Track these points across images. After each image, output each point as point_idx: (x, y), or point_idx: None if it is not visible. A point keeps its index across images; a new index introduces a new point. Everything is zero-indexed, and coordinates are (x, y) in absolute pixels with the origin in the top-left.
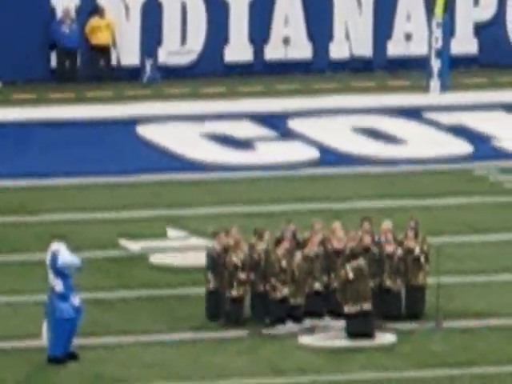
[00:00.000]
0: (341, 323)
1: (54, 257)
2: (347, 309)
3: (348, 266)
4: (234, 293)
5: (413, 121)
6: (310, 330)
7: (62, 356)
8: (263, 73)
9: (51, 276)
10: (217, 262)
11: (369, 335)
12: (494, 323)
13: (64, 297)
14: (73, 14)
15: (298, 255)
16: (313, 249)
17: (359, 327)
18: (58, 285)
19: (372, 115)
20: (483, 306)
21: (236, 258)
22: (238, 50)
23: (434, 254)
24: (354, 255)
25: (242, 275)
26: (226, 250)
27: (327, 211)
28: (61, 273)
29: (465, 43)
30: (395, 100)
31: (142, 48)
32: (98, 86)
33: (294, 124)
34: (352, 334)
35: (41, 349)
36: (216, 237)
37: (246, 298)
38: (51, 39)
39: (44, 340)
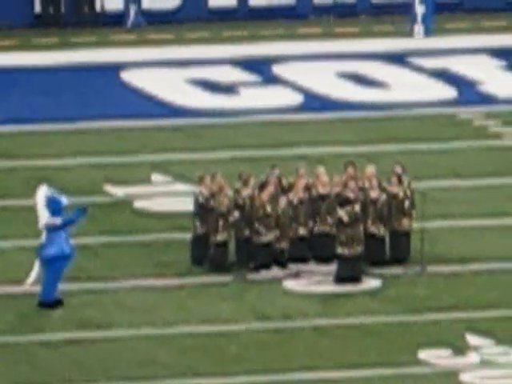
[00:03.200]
0: (326, 268)
1: (53, 198)
2: (341, 250)
3: (341, 211)
4: (219, 237)
5: (397, 65)
6: (295, 275)
7: (53, 301)
8: (247, 18)
9: (46, 215)
10: (204, 207)
11: (356, 279)
12: (478, 267)
13: (61, 233)
14: None
15: (283, 200)
16: (298, 194)
17: (348, 271)
18: (58, 220)
19: (356, 60)
20: (467, 250)
21: (221, 203)
22: None
23: (419, 199)
24: (347, 201)
25: (227, 220)
26: (212, 195)
27: (311, 156)
28: (59, 212)
29: None
30: (379, 45)
31: None
32: (82, 31)
33: (278, 69)
34: (340, 277)
35: (26, 295)
36: (202, 182)
37: (230, 243)
38: None
39: (29, 283)
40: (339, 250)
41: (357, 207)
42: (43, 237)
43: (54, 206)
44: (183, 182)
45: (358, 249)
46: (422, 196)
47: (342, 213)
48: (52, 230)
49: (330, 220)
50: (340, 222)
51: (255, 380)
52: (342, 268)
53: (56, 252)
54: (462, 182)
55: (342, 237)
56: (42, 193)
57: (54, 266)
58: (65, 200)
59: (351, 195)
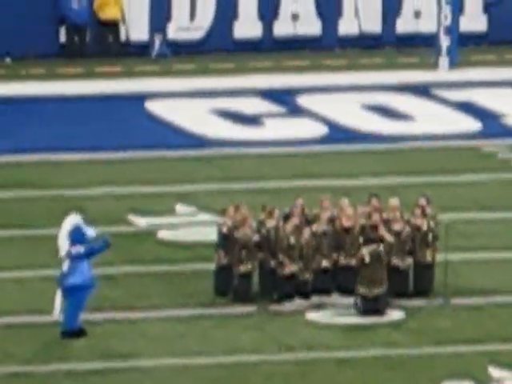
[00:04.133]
0: (348, 300)
1: (79, 228)
2: (361, 290)
3: (364, 250)
4: (243, 268)
5: (421, 98)
6: (318, 307)
7: (76, 330)
8: (272, 49)
9: (67, 244)
10: (228, 238)
11: (380, 313)
12: (501, 300)
13: (84, 262)
14: None
15: (307, 231)
16: (321, 226)
17: (370, 306)
18: (80, 248)
19: (381, 92)
20: (491, 283)
21: (245, 234)
22: (247, 25)
23: (443, 231)
24: (371, 239)
25: (251, 251)
26: (236, 226)
27: (335, 188)
28: (81, 242)
29: (474, 20)
30: (404, 77)
31: (151, 23)
32: (107, 61)
33: (303, 100)
34: (363, 311)
35: (48, 324)
36: (226, 213)
37: (254, 274)
38: (60, 15)
39: (56, 314)
40: (360, 290)
41: (381, 247)
42: (64, 266)
43: (78, 237)
44: (207, 213)
45: (380, 289)
46: (445, 228)
47: (365, 252)
48: (75, 258)
49: (354, 252)
50: (362, 261)
51: None
52: (364, 305)
53: (78, 281)
54: (486, 214)
55: (363, 276)
56: (70, 222)
57: (76, 295)
58: (92, 232)
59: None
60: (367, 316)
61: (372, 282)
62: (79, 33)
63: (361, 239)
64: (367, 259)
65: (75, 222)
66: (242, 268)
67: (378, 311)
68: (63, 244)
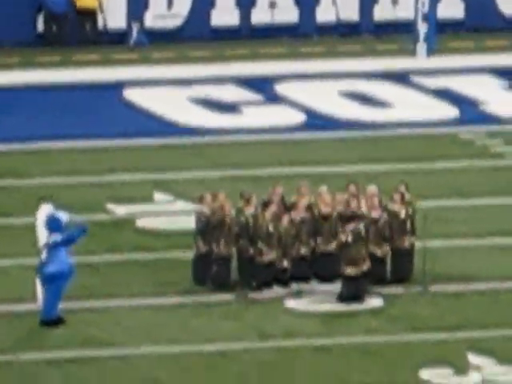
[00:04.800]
0: (327, 287)
1: (53, 216)
2: (347, 270)
3: (347, 229)
4: (223, 251)
5: (399, 85)
6: (297, 294)
7: (55, 318)
8: (250, 37)
9: (46, 234)
10: (207, 226)
11: (360, 298)
12: (480, 287)
13: (62, 250)
14: None
15: (285, 219)
16: (300, 213)
17: (352, 290)
18: (58, 237)
19: (358, 79)
20: (470, 269)
21: (224, 221)
22: (225, 13)
23: (421, 218)
24: (351, 218)
25: (229, 236)
26: (214, 213)
27: (313, 175)
28: (58, 229)
29: (451, 7)
30: (382, 64)
31: (129, 12)
32: (85, 49)
33: (281, 88)
34: (344, 296)
35: (27, 313)
36: (203, 201)
37: (232, 261)
38: (38, 3)
39: (39, 303)
40: (345, 270)
41: (361, 226)
42: (43, 255)
43: (53, 225)
44: (185, 201)
45: (364, 267)
46: (423, 215)
47: (347, 232)
48: (52, 247)
49: (332, 239)
50: (345, 241)
51: None
52: (346, 287)
53: (56, 270)
54: (464, 201)
55: (347, 256)
56: (44, 211)
57: (54, 283)
58: (64, 216)
59: (357, 212)
60: (346, 303)
61: (355, 260)
62: (57, 21)
63: (338, 226)
64: (349, 239)
65: (48, 210)
66: (222, 250)
67: (359, 296)
68: (41, 234)
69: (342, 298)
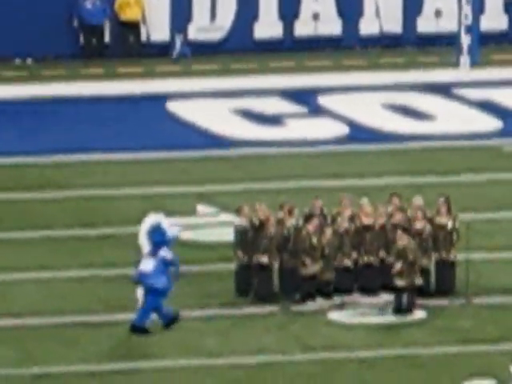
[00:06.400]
0: (370, 299)
1: (158, 227)
2: (399, 282)
3: (405, 241)
4: (264, 260)
5: (443, 97)
6: (340, 307)
7: (144, 328)
8: (293, 49)
9: (147, 243)
10: (245, 237)
11: (411, 311)
12: None
13: (168, 266)
14: None
15: (328, 231)
16: (343, 224)
17: (403, 302)
18: (167, 253)
19: (402, 91)
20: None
21: (266, 231)
22: (268, 26)
23: (464, 230)
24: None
25: (271, 248)
26: (252, 224)
27: (356, 188)
28: (161, 241)
29: (494, 19)
30: (425, 76)
31: (172, 24)
32: (128, 62)
33: (324, 100)
34: (397, 309)
35: (72, 324)
36: (241, 212)
37: (274, 272)
38: (77, 16)
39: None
40: (398, 282)
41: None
42: (147, 265)
43: (157, 236)
44: (228, 213)
45: (417, 280)
46: (466, 227)
47: (405, 243)
48: (161, 261)
49: (373, 251)
50: (402, 252)
51: None
52: (400, 299)
53: (163, 286)
54: (507, 213)
55: (402, 268)
56: (150, 220)
57: (157, 297)
58: (174, 232)
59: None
60: (401, 315)
61: (412, 272)
62: (95, 33)
63: (380, 238)
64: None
65: (155, 221)
66: (263, 259)
67: (411, 308)
68: (144, 243)
69: (399, 310)
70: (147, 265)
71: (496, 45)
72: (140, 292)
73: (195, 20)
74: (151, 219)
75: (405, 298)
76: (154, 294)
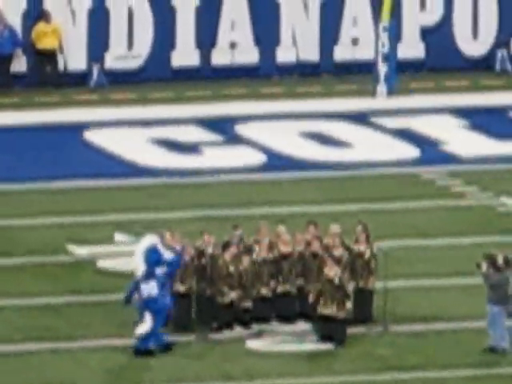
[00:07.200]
0: (288, 328)
1: (154, 249)
2: (327, 311)
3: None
4: (181, 288)
5: (360, 125)
6: (258, 335)
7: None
8: (210, 77)
9: (143, 265)
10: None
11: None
12: (441, 327)
13: (167, 282)
14: (4, 19)
15: (246, 260)
16: (262, 253)
17: (331, 332)
18: (163, 269)
19: (319, 120)
20: (430, 309)
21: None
22: (185, 54)
23: (382, 258)
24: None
25: (188, 272)
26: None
27: (274, 216)
28: (158, 263)
29: (411, 47)
30: (342, 104)
31: (89, 53)
32: (45, 91)
33: (241, 129)
34: (324, 337)
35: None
36: (163, 239)
37: (192, 301)
38: None
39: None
40: (325, 311)
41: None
42: (150, 288)
43: (153, 258)
44: None
45: (347, 310)
46: (384, 255)
47: (333, 273)
48: (161, 280)
49: (291, 279)
50: (330, 281)
51: None
52: (328, 328)
53: (167, 302)
54: (425, 241)
55: (331, 297)
56: (145, 242)
57: (164, 315)
58: (169, 256)
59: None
60: (321, 342)
61: (341, 301)
62: (4, 63)
63: (298, 266)
64: (336, 280)
65: (151, 242)
66: (181, 288)
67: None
68: (139, 264)
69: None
70: (152, 289)
71: (413, 73)
72: (148, 318)
73: (112, 49)
74: (147, 240)
75: (337, 327)
76: (163, 314)
